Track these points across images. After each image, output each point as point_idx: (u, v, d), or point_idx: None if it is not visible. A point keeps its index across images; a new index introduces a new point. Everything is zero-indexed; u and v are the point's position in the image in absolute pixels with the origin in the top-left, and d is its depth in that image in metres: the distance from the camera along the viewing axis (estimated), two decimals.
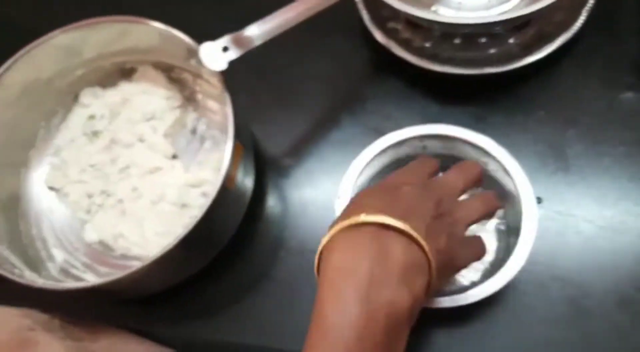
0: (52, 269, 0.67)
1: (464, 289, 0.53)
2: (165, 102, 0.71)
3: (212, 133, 0.72)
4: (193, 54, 0.63)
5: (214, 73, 0.61)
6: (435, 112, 0.69)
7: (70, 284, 0.59)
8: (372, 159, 0.60)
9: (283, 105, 0.73)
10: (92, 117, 0.72)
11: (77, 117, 0.72)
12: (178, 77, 0.73)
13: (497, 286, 0.52)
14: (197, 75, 0.72)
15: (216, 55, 0.58)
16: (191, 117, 0.73)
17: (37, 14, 0.83)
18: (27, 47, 0.65)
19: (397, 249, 0.38)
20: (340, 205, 0.58)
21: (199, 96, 0.73)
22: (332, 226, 0.41)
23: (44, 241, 0.69)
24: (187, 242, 0.55)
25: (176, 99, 0.72)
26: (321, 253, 0.41)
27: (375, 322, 0.36)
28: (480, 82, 0.69)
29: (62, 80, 0.71)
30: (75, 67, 0.71)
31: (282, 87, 0.73)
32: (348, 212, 0.41)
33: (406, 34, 0.71)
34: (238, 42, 0.58)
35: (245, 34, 0.58)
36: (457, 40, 0.70)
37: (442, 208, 0.43)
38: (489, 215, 0.48)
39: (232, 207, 0.63)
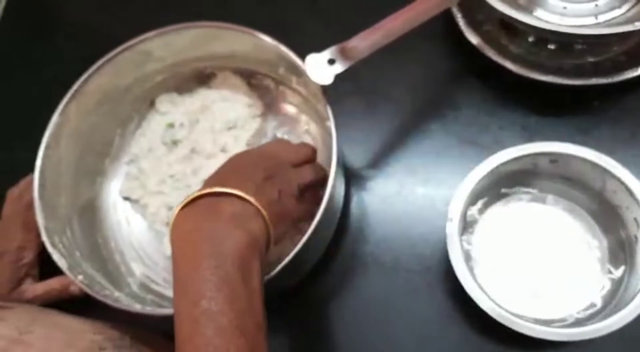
0: (133, 284, 0.64)
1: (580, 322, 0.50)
2: (247, 110, 0.68)
3: (294, 141, 0.68)
4: (287, 63, 0.60)
5: (306, 83, 0.58)
6: (533, 123, 0.65)
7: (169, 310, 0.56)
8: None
9: (369, 113, 0.69)
10: (170, 125, 0.69)
11: (155, 125, 0.69)
12: (259, 83, 0.70)
13: (625, 320, 0.49)
14: (281, 82, 0.68)
15: (322, 68, 0.54)
16: (271, 125, 0.70)
17: (117, 20, 0.81)
18: (111, 54, 0.62)
19: (227, 206, 0.46)
20: (452, 229, 0.54)
21: (281, 104, 0.70)
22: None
23: (121, 254, 0.66)
24: (292, 260, 0.52)
25: (257, 106, 0.69)
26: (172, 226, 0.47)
27: (230, 265, 0.43)
28: (581, 92, 0.65)
29: (140, 86, 0.68)
30: (155, 73, 0.68)
31: (367, 94, 0.69)
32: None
33: (499, 38, 0.67)
34: (344, 54, 0.54)
35: (351, 45, 0.54)
36: (551, 46, 0.66)
37: (271, 171, 0.51)
38: (320, 182, 0.55)
39: (329, 223, 0.60)
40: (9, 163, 0.72)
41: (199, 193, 0.47)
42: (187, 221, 0.46)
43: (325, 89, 0.56)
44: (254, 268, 0.45)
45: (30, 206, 0.60)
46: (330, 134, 0.56)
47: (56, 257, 0.56)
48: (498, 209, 0.61)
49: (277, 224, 0.49)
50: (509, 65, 0.64)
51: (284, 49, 0.59)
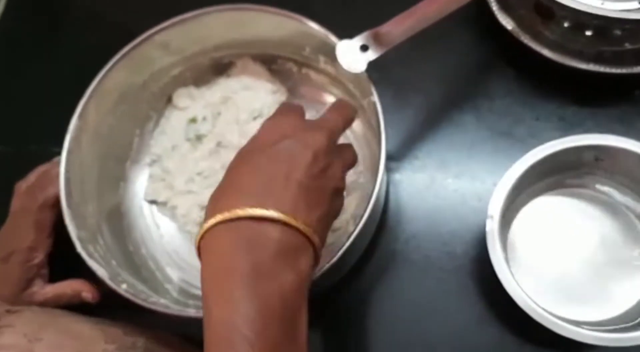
0: (172, 291, 0.60)
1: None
2: (271, 96, 0.65)
3: None
4: (315, 42, 0.57)
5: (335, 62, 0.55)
6: (571, 114, 0.62)
7: None
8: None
9: (397, 104, 0.65)
10: (193, 120, 0.65)
11: (175, 122, 0.66)
12: (281, 68, 0.66)
13: None
14: (304, 64, 0.65)
15: (354, 55, 0.51)
16: None
17: (128, 9, 0.76)
18: (127, 47, 0.59)
19: (273, 238, 0.38)
20: (492, 227, 0.52)
21: (304, 87, 0.66)
22: (207, 214, 0.40)
23: (155, 260, 0.63)
24: (340, 259, 0.50)
25: (282, 92, 0.66)
26: (199, 246, 0.41)
27: (271, 313, 0.36)
28: (621, 81, 0.62)
29: (156, 82, 0.64)
30: (171, 67, 0.64)
31: (395, 84, 0.65)
32: (222, 198, 0.40)
33: (534, 24, 0.64)
34: (378, 40, 0.51)
35: (385, 30, 0.51)
36: (588, 32, 0.63)
37: (323, 161, 0.42)
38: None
39: (373, 222, 0.58)
40: (20, 158, 0.69)
41: (231, 216, 0.38)
42: (219, 254, 0.39)
43: (369, 79, 0.53)
44: (301, 318, 0.38)
45: (44, 205, 0.57)
46: (374, 113, 0.53)
47: (95, 267, 0.53)
48: (536, 205, 0.58)
49: (323, 241, 0.42)
50: (545, 52, 0.61)
51: (312, 25, 0.56)
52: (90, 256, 0.53)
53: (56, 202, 0.57)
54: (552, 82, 0.64)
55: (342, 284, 0.59)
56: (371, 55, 0.51)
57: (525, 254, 0.57)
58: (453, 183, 0.62)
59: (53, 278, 0.59)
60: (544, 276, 0.56)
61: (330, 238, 0.61)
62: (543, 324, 0.49)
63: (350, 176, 0.62)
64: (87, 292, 0.58)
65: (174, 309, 0.51)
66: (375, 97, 0.52)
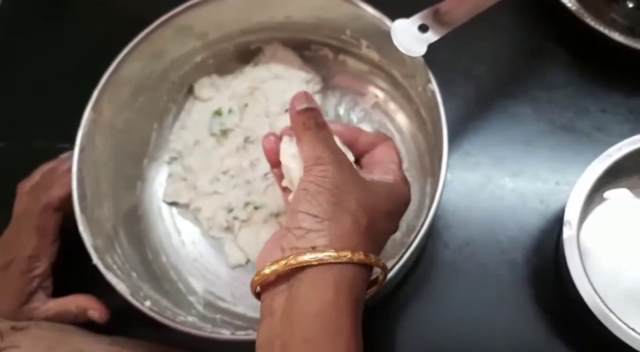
0: (197, 304, 0.54)
1: None
2: (304, 86, 0.58)
3: (359, 118, 0.59)
4: (359, 23, 0.50)
5: (380, 46, 0.48)
6: None
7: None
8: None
9: (446, 94, 0.57)
10: (217, 112, 0.58)
11: (197, 115, 0.59)
12: (314, 54, 0.60)
13: None
14: (342, 50, 0.58)
15: (412, 36, 0.44)
16: (331, 102, 0.60)
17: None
18: (143, 33, 0.52)
19: (363, 286, 0.36)
20: (570, 234, 0.45)
21: (340, 76, 0.60)
22: (278, 259, 0.35)
23: (176, 270, 0.56)
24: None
25: (316, 81, 0.59)
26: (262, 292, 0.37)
27: None
28: None
29: (177, 70, 0.58)
30: (194, 53, 0.58)
31: (443, 71, 0.55)
32: (297, 239, 0.36)
33: (598, 4, 0.57)
34: (438, 20, 0.44)
35: (445, 9, 0.45)
36: None
37: (393, 212, 0.40)
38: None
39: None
40: (23, 155, 0.63)
41: (322, 259, 0.34)
42: (310, 314, 0.34)
43: (426, 65, 0.47)
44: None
45: (47, 207, 0.51)
46: (429, 104, 0.46)
47: (114, 281, 0.46)
48: (609, 206, 0.52)
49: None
50: (615, 35, 0.54)
51: (359, 2, 0.49)
52: (109, 268, 0.47)
53: (62, 204, 0.51)
54: (619, 69, 0.57)
55: (382, 300, 0.53)
56: (432, 36, 0.44)
57: (600, 261, 0.50)
58: (511, 182, 0.55)
59: (59, 291, 0.53)
60: (621, 285, 0.50)
61: None
62: (632, 346, 0.42)
63: None
64: (94, 310, 0.51)
65: (207, 330, 0.45)
66: (434, 85, 0.46)
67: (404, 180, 0.41)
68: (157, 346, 0.51)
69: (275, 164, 0.44)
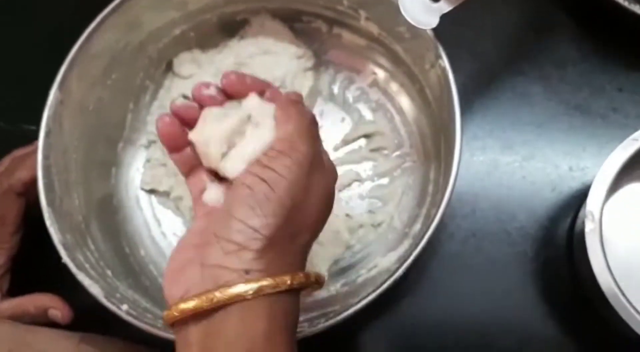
0: None
1: None
2: (296, 62, 0.53)
3: (355, 97, 0.54)
4: None
5: (380, 18, 0.43)
6: None
7: None
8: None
9: (456, 68, 0.53)
10: None
11: (178, 94, 0.54)
12: (306, 27, 0.54)
13: None
14: (337, 22, 0.53)
15: (423, 5, 0.39)
16: (325, 80, 0.55)
17: None
18: (115, 2, 0.46)
19: (297, 309, 0.32)
20: (593, 227, 0.41)
21: (334, 50, 0.55)
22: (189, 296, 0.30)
23: (156, 264, 0.52)
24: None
25: (308, 57, 0.54)
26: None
27: None
28: None
29: (155, 44, 0.52)
30: (173, 25, 0.52)
31: (447, 48, 0.51)
32: (225, 256, 0.30)
33: None
34: None
35: None
36: None
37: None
38: None
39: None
40: None
41: (244, 292, 0.29)
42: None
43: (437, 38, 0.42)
44: None
45: (8, 192, 0.46)
46: (439, 83, 0.42)
47: (87, 282, 0.41)
48: (628, 195, 0.48)
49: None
50: (633, 7, 0.49)
51: None
52: (80, 267, 0.42)
53: (26, 189, 0.45)
54: (637, 45, 0.53)
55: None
56: (444, 5, 0.39)
57: (619, 253, 0.46)
58: (520, 168, 0.51)
59: (21, 289, 0.47)
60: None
61: (373, 234, 0.50)
62: None
63: (392, 160, 0.51)
64: (56, 309, 0.46)
65: None
66: (445, 62, 0.41)
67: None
68: (130, 345, 0.46)
69: (174, 149, 0.37)
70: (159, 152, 0.53)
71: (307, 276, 0.31)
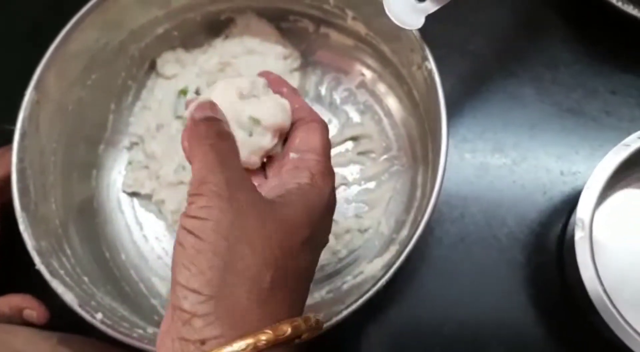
0: (160, 308, 0.48)
1: None
2: (282, 63, 0.52)
3: (342, 99, 0.53)
4: None
5: (367, 19, 0.42)
6: None
7: None
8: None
9: (439, 69, 0.52)
10: (183, 92, 0.52)
11: (160, 94, 0.53)
12: (293, 26, 0.53)
13: None
14: (324, 22, 0.52)
15: (408, 5, 0.38)
16: (312, 81, 0.53)
17: None
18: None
19: None
20: (583, 235, 0.40)
21: (321, 51, 0.53)
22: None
23: (137, 269, 0.50)
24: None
25: (295, 57, 0.52)
26: None
27: None
28: None
29: (137, 43, 0.51)
30: (156, 23, 0.51)
31: (437, 47, 0.46)
32: (183, 326, 0.26)
33: None
34: None
35: None
36: None
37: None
38: None
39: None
40: None
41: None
42: None
43: (422, 39, 0.41)
44: None
45: None
46: (426, 84, 0.40)
47: (60, 290, 0.40)
48: (620, 201, 0.46)
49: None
50: (627, 7, 0.48)
51: None
52: (54, 274, 0.40)
53: (2, 185, 0.44)
54: (632, 46, 0.52)
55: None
56: (430, 5, 0.38)
57: (610, 261, 0.45)
58: (511, 172, 0.50)
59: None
60: (630, 286, 0.45)
61: (359, 240, 0.49)
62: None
63: (380, 163, 0.50)
64: (30, 309, 0.44)
65: None
66: (431, 64, 0.40)
67: (325, 173, 0.31)
68: (108, 347, 0.45)
69: None
70: (140, 154, 0.52)
71: (276, 329, 0.26)
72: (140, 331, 0.41)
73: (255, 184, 0.31)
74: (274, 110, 0.33)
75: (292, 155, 0.31)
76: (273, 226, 0.27)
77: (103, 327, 0.39)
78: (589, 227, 0.40)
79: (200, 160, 0.29)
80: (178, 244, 0.27)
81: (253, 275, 0.26)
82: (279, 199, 0.29)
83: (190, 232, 0.27)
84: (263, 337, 0.25)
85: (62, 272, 0.41)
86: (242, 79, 0.34)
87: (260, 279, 0.26)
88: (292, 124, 0.33)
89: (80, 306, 0.39)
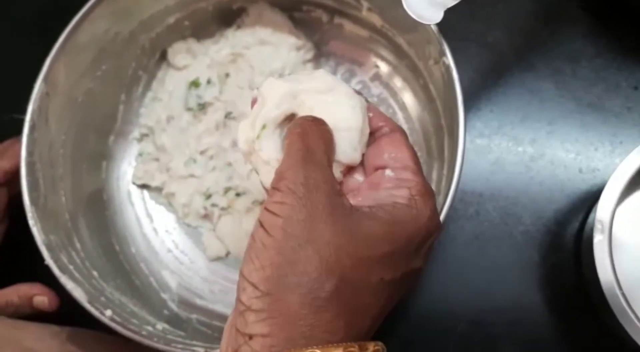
0: (170, 301, 0.48)
1: None
2: (295, 54, 0.51)
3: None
4: None
5: (382, 8, 0.41)
6: None
7: None
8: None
9: (456, 62, 0.49)
10: (194, 84, 0.51)
11: (171, 85, 0.52)
12: (306, 17, 0.52)
13: None
14: (338, 12, 0.51)
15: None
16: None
17: None
18: None
19: None
20: (602, 238, 0.39)
21: (335, 41, 0.52)
22: None
23: (147, 262, 0.50)
24: None
25: (308, 48, 0.51)
26: None
27: None
28: None
29: (148, 33, 0.50)
30: (167, 13, 0.50)
31: (454, 40, 0.44)
32: (240, 316, 0.26)
33: None
34: None
35: None
36: None
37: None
38: None
39: None
40: None
41: None
42: None
43: (440, 33, 0.39)
44: None
45: None
46: (443, 79, 0.39)
47: (70, 286, 0.40)
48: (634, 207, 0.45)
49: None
50: None
51: None
52: (64, 269, 0.40)
53: (8, 179, 0.44)
54: None
55: None
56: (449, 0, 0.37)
57: (629, 262, 0.44)
58: (528, 168, 0.49)
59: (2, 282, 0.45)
60: None
61: None
62: None
63: None
64: (40, 295, 0.44)
65: (177, 346, 0.38)
66: (449, 59, 0.39)
67: (425, 194, 0.28)
68: (119, 341, 0.45)
69: None
70: (151, 146, 0.51)
71: (327, 348, 0.24)
72: (150, 328, 0.40)
73: (353, 187, 0.30)
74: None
75: (388, 173, 0.29)
76: (348, 234, 0.26)
77: (112, 325, 0.38)
78: (609, 229, 0.39)
79: (288, 154, 0.28)
80: (251, 235, 0.26)
81: (312, 280, 0.25)
82: (367, 209, 0.27)
83: (261, 225, 0.26)
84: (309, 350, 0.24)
85: (71, 267, 0.41)
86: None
87: (319, 286, 0.25)
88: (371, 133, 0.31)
89: (89, 302, 0.39)
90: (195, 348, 0.38)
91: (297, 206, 0.26)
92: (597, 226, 0.39)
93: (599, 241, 0.38)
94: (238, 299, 0.26)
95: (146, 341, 0.38)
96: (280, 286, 0.25)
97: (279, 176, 0.27)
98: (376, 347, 0.26)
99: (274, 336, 0.24)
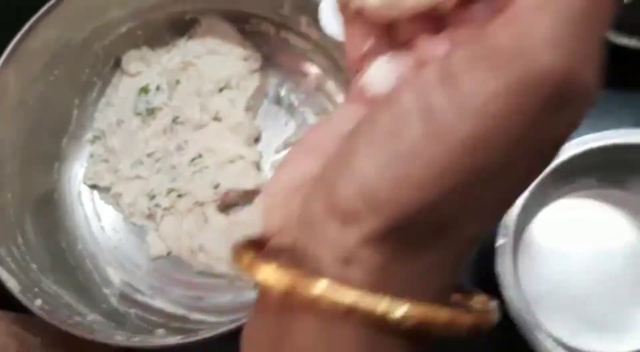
0: (111, 296, 0.50)
1: None
2: (242, 64, 0.53)
3: (300, 101, 0.54)
4: (298, 2, 0.45)
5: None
6: (604, 100, 0.50)
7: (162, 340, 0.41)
8: None
9: None
10: (144, 90, 0.53)
11: (123, 91, 0.54)
12: (255, 29, 0.54)
13: None
14: (283, 26, 0.53)
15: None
16: (272, 82, 0.55)
17: None
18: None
19: None
20: (504, 244, 0.40)
21: (282, 54, 0.55)
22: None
23: (93, 258, 0.52)
24: None
25: (255, 59, 0.54)
26: None
27: None
28: None
29: (101, 40, 0.52)
30: (119, 22, 0.52)
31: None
32: (323, 213, 0.17)
33: None
34: None
35: None
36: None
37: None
38: None
39: None
40: None
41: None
42: None
43: None
44: None
45: None
46: None
47: (4, 276, 0.42)
48: (557, 209, 0.47)
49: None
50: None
51: None
52: (1, 261, 0.42)
53: None
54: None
55: None
56: None
57: (538, 271, 0.46)
58: None
59: None
60: (557, 297, 0.46)
61: None
62: None
63: None
64: None
65: (101, 335, 0.40)
66: None
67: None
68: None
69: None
70: (101, 148, 0.54)
71: (462, 315, 0.17)
72: (79, 318, 0.43)
73: None
74: None
75: None
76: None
77: (40, 313, 0.41)
78: (513, 234, 0.41)
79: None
80: (395, 105, 0.17)
81: (463, 224, 0.17)
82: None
83: (426, 106, 0.16)
84: (442, 314, 0.16)
85: (8, 259, 0.43)
86: None
87: (464, 234, 0.17)
88: None
89: (21, 292, 0.41)
90: (117, 337, 0.40)
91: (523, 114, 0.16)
92: (500, 233, 0.41)
93: (502, 244, 0.40)
94: (333, 197, 0.17)
95: (70, 329, 0.40)
96: (422, 218, 0.17)
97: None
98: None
99: (380, 274, 0.17)
